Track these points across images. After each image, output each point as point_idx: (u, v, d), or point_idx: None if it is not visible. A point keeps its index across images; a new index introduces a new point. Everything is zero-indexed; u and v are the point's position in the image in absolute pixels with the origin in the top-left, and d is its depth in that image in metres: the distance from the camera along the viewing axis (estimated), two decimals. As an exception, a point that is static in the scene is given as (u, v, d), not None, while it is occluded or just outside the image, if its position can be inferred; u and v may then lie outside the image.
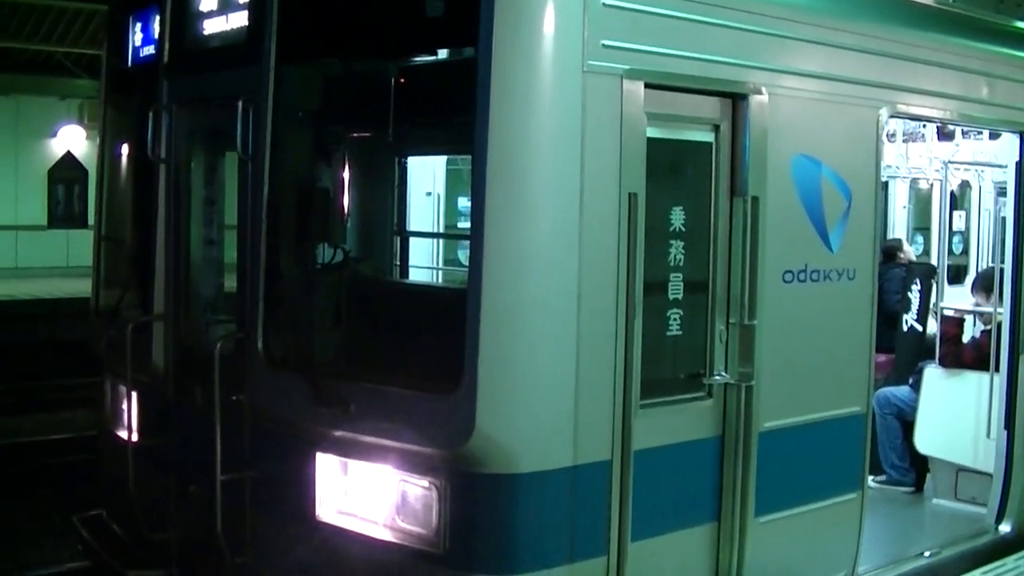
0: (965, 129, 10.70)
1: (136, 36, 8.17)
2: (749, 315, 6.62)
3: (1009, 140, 8.95)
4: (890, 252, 11.81)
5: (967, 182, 12.61)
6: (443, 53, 6.48)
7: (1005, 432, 8.91)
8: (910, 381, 10.32)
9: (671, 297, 6.46)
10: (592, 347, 5.87)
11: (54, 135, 32.42)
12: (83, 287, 9.42)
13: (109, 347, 8.01)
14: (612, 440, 6.03)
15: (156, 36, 7.79)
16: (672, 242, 6.44)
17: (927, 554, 8.35)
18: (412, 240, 9.35)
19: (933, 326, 10.32)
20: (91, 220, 9.83)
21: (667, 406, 6.45)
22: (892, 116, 7.67)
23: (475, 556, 5.88)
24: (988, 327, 9.63)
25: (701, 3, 6.32)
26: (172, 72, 7.62)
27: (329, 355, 6.86)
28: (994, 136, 10.43)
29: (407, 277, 9.14)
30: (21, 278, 28.85)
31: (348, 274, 7.26)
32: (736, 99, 6.57)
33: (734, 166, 6.61)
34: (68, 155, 32.65)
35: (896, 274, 11.11)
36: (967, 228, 13.23)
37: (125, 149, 8.85)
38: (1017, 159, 8.77)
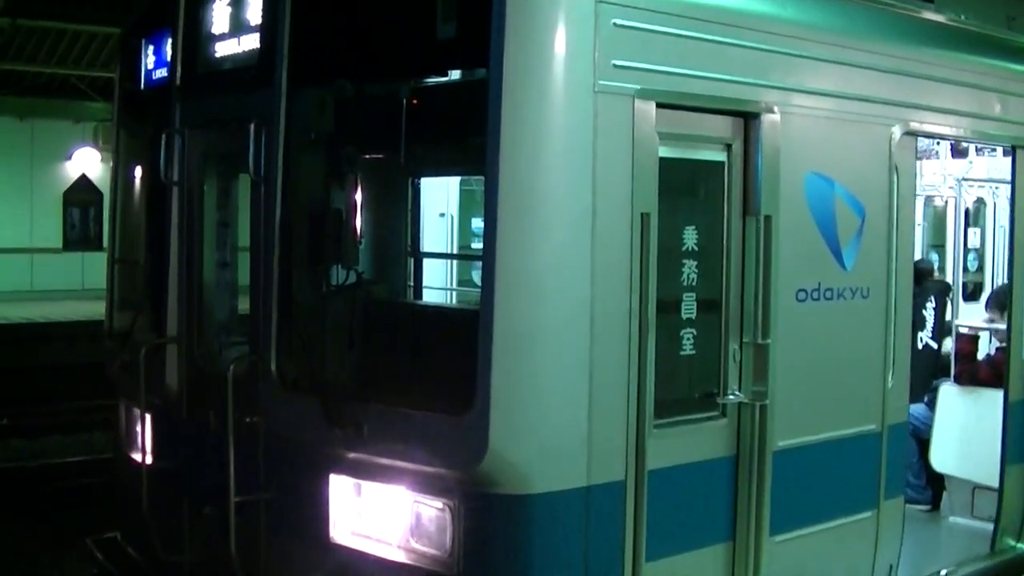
0: (979, 146, 10.68)
1: (148, 59, 8.20)
2: (763, 334, 6.60)
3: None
4: (922, 273, 11.76)
5: (982, 199, 12.57)
6: (455, 74, 6.49)
7: (1022, 450, 8.88)
8: (925, 399, 10.29)
9: (684, 317, 6.45)
10: (605, 367, 5.85)
11: (69, 158, 32.52)
12: (98, 309, 9.45)
13: (123, 370, 8.02)
14: (626, 460, 6.01)
15: (168, 59, 7.83)
16: (685, 261, 6.43)
17: (943, 572, 8.32)
18: (426, 261, 9.35)
19: (949, 344, 10.27)
20: (106, 243, 9.86)
21: (681, 426, 6.43)
22: (905, 134, 7.66)
23: (489, 577, 5.87)
24: (1003, 344, 9.59)
25: (712, 22, 6.32)
26: (184, 95, 7.66)
27: (342, 377, 6.86)
28: (1008, 153, 10.40)
29: (421, 298, 9.13)
30: (36, 300, 28.92)
31: (361, 296, 7.26)
32: (748, 118, 6.56)
33: (746, 185, 6.60)
34: (83, 178, 32.76)
35: None
36: (982, 245, 13.19)
37: (139, 172, 8.88)
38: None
